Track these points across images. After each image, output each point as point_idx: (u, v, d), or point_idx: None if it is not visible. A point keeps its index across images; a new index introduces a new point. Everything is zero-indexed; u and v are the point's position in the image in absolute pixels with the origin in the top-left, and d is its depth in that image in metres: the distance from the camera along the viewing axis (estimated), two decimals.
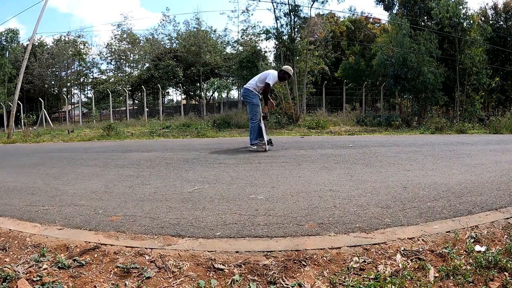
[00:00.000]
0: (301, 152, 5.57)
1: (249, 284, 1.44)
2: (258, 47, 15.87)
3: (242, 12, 18.76)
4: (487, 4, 19.71)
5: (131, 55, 27.51)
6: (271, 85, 5.63)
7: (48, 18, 44.57)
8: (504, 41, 17.10)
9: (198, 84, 25.88)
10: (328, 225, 2.03)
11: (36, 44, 24.78)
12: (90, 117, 23.23)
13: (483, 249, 1.65)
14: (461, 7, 14.28)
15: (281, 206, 2.44)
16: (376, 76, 20.11)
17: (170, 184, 3.31)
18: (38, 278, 1.50)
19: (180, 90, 23.96)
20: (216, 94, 21.40)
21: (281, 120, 13.05)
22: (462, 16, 14.41)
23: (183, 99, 25.01)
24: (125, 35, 27.09)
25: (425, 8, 15.69)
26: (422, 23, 16.01)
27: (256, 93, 5.65)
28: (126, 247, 1.83)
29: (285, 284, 1.44)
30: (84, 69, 27.46)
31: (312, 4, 14.50)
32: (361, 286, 1.37)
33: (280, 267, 1.57)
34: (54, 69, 25.72)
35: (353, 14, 23.31)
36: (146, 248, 1.80)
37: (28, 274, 1.54)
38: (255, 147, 5.58)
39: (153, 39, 26.44)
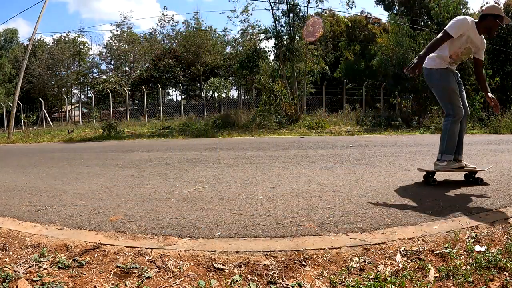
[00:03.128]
0: (301, 152, 5.57)
1: (249, 284, 1.44)
2: (259, 46, 15.83)
3: (241, 12, 18.74)
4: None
5: (131, 54, 27.52)
6: (451, 34, 2.75)
7: (56, 15, 44.44)
8: (505, 41, 17.09)
9: (198, 84, 25.89)
10: (328, 225, 2.03)
11: (36, 44, 24.78)
12: (90, 117, 23.22)
13: (483, 249, 1.65)
14: (461, 6, 14.28)
15: (281, 206, 2.44)
16: (376, 76, 20.10)
17: (170, 184, 3.31)
18: (38, 278, 1.50)
19: (180, 90, 23.95)
20: (216, 94, 21.41)
21: (281, 120, 13.06)
22: None
23: (183, 99, 25.02)
24: (125, 35, 27.09)
25: (425, 8, 15.70)
26: (422, 23, 16.01)
27: (437, 67, 2.92)
28: (126, 247, 1.83)
29: (285, 284, 1.44)
30: (84, 69, 27.46)
31: (309, 3, 14.47)
32: (361, 286, 1.37)
33: (280, 267, 1.57)
34: (54, 69, 25.71)
35: (351, 7, 23.27)
36: (146, 248, 1.80)
37: (28, 274, 1.54)
38: (444, 164, 2.93)
39: (152, 38, 26.45)
